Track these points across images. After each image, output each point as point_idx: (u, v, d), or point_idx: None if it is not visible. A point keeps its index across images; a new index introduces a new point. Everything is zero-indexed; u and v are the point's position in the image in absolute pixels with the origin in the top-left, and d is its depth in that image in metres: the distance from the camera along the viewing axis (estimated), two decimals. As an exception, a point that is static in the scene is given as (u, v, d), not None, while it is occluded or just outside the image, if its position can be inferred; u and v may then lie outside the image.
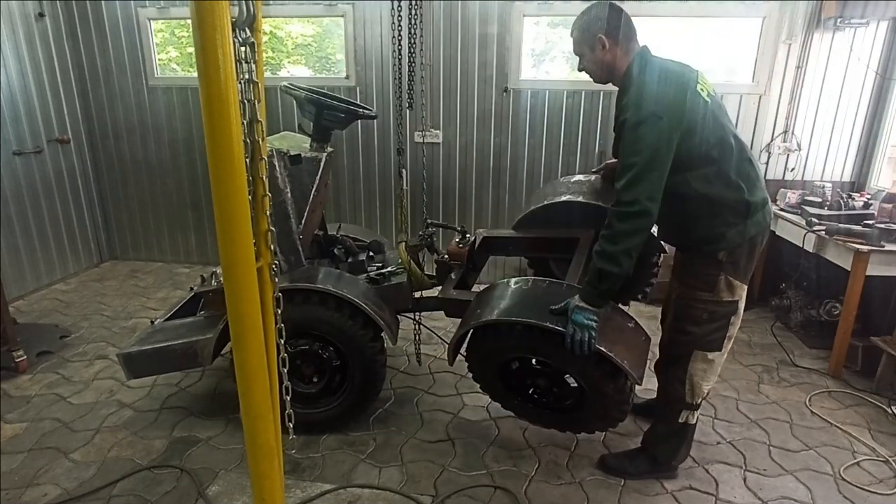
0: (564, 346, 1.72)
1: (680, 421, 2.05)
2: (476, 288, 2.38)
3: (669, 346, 2.08)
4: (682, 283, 1.98)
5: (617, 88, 1.87)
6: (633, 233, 1.67)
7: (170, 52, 4.66)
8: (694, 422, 2.08)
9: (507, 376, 2.18)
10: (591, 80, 1.91)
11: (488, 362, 2.12)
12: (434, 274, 2.60)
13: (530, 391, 2.21)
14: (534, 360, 2.12)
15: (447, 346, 2.23)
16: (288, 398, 1.43)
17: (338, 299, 2.20)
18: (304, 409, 2.32)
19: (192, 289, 2.82)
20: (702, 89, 1.76)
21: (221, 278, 2.51)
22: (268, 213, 1.27)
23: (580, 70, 1.90)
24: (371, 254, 2.79)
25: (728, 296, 1.89)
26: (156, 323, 2.56)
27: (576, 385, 2.06)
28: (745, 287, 1.93)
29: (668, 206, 1.72)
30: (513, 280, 2.06)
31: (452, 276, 2.47)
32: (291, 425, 1.46)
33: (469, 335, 2.07)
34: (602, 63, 1.82)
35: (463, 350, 2.15)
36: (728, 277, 1.87)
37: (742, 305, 1.95)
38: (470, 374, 2.22)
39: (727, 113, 1.87)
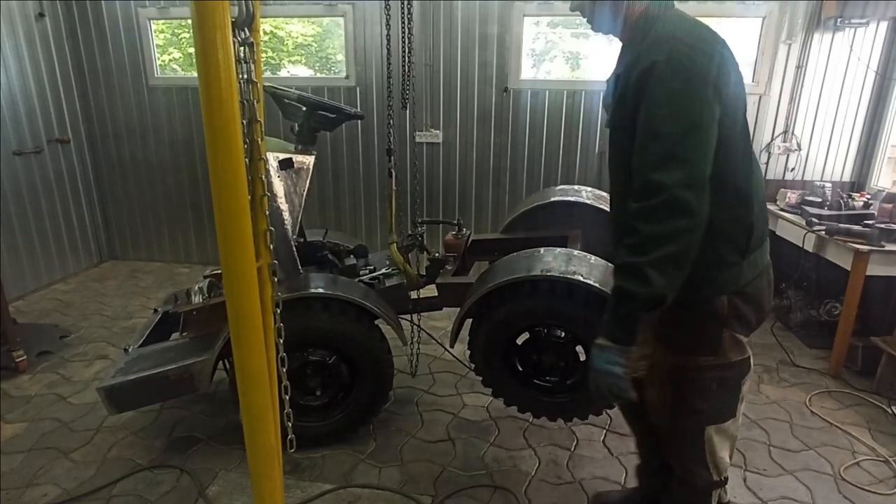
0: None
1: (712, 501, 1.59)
2: None
3: (673, 432, 1.57)
4: (673, 348, 1.45)
5: (619, 44, 1.39)
6: (666, 237, 1.15)
7: (172, 53, 4.66)
8: (727, 497, 1.61)
9: (509, 357, 2.23)
10: (588, 22, 1.41)
11: (497, 336, 2.12)
12: (425, 273, 2.60)
13: (533, 375, 2.25)
14: (545, 332, 2.17)
15: (451, 329, 2.28)
16: (287, 397, 1.42)
17: (356, 307, 2.17)
18: (316, 422, 2.29)
19: (156, 310, 2.68)
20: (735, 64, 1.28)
21: (204, 295, 2.40)
22: (266, 213, 1.27)
23: (573, 10, 1.43)
24: (355, 258, 2.78)
25: (737, 354, 1.41)
26: (130, 350, 2.34)
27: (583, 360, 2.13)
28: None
29: None
30: (524, 252, 2.11)
31: (448, 267, 2.49)
32: (291, 435, 1.45)
33: (477, 311, 2.12)
34: (609, 5, 1.33)
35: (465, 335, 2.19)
36: (734, 335, 1.39)
37: (752, 359, 1.48)
38: (469, 355, 2.23)
39: None
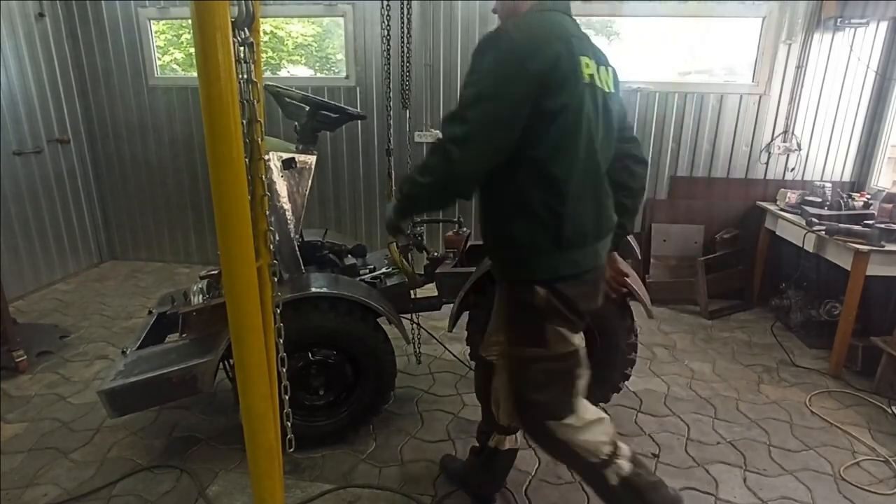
0: None
1: (612, 483, 1.51)
2: None
3: (521, 423, 1.62)
4: (511, 341, 1.54)
5: None
6: (427, 170, 1.36)
7: (172, 53, 4.67)
8: (627, 471, 1.51)
9: None
10: (499, 20, 1.57)
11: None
12: (423, 272, 2.61)
13: None
14: None
15: (450, 317, 2.40)
16: (287, 396, 1.42)
17: (362, 306, 2.18)
18: (322, 422, 2.30)
19: (150, 311, 2.67)
20: (587, 65, 1.36)
21: (205, 295, 2.39)
22: (267, 212, 1.27)
23: (493, 11, 1.59)
24: (354, 258, 2.78)
25: (564, 347, 1.47)
26: (128, 352, 2.29)
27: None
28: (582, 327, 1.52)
29: (483, 190, 1.44)
30: None
31: (447, 262, 2.52)
32: (290, 434, 1.46)
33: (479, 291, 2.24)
34: (505, 3, 1.51)
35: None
36: (557, 329, 1.45)
37: (584, 351, 1.53)
38: (466, 338, 2.29)
39: (614, 119, 1.49)
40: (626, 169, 1.61)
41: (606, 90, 1.44)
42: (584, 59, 1.36)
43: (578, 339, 1.51)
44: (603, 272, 1.56)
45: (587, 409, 1.54)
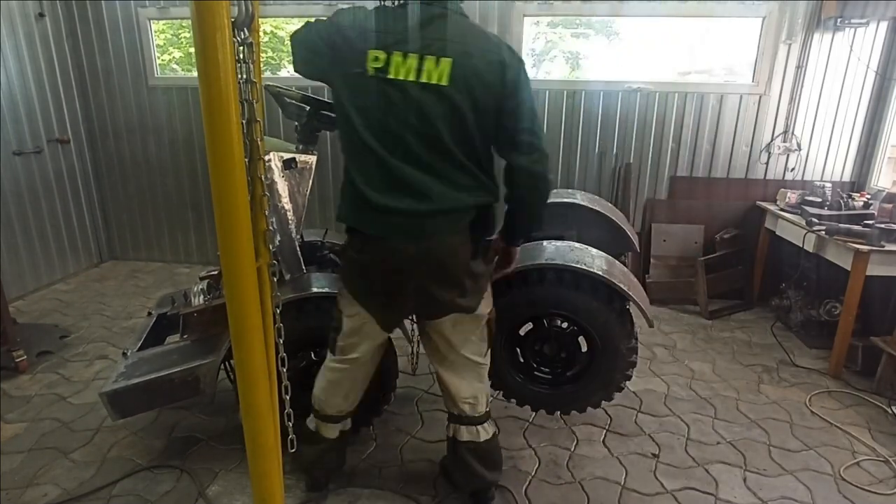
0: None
1: (308, 425, 1.94)
2: None
3: None
4: None
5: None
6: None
7: (173, 53, 4.66)
8: (311, 428, 1.94)
9: (512, 347, 2.33)
10: None
11: (501, 325, 2.17)
12: None
13: (534, 366, 2.36)
14: (546, 322, 2.28)
15: None
16: (287, 397, 1.42)
17: None
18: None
19: (150, 313, 2.65)
20: (375, 59, 1.46)
21: (206, 296, 2.36)
22: (266, 212, 1.27)
23: None
24: None
25: (342, 304, 1.77)
26: (129, 354, 2.27)
27: (584, 350, 2.28)
28: (364, 314, 1.72)
29: None
30: (527, 244, 2.17)
31: None
32: (291, 435, 1.46)
33: None
34: None
35: None
36: (345, 289, 1.75)
37: (356, 326, 1.75)
38: None
39: (426, 109, 1.48)
40: (509, 174, 1.65)
41: (412, 80, 1.46)
42: (374, 53, 1.46)
43: (350, 310, 1.72)
44: (419, 257, 1.60)
45: (338, 378, 1.83)
